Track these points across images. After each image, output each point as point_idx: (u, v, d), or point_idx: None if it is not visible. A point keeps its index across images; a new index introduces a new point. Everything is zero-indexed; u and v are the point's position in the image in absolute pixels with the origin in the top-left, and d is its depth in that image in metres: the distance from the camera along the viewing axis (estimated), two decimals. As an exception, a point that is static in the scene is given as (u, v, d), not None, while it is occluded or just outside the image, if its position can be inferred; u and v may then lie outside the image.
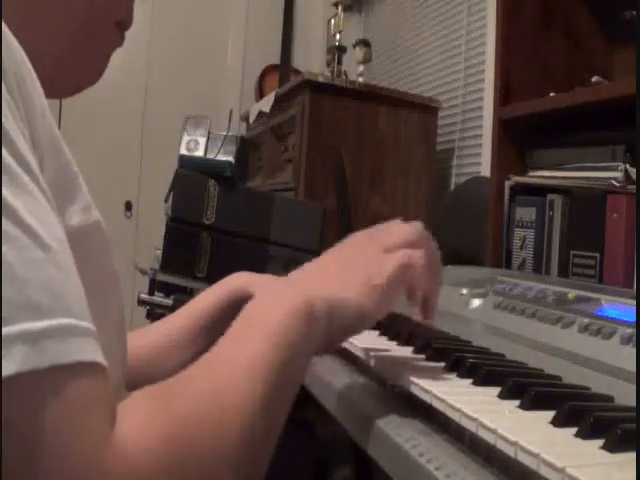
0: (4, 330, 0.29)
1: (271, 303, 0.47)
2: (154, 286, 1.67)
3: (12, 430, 0.29)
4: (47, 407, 0.30)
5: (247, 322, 0.45)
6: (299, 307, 0.46)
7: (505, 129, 1.31)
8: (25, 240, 0.31)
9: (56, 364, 0.30)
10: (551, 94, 1.21)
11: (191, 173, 1.66)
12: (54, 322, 0.30)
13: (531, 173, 1.27)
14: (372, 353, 0.63)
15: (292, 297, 0.47)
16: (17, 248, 0.30)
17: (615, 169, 1.06)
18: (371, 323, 0.55)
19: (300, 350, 0.45)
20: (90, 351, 0.32)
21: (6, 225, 0.30)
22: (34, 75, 0.37)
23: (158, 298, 1.63)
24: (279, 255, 1.69)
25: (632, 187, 1.02)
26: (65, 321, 0.31)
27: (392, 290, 0.54)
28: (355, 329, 0.54)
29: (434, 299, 0.58)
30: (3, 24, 0.35)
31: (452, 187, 2.22)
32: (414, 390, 0.52)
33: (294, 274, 0.56)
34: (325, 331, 0.49)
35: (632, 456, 0.37)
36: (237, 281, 0.69)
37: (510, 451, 0.39)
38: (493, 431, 0.41)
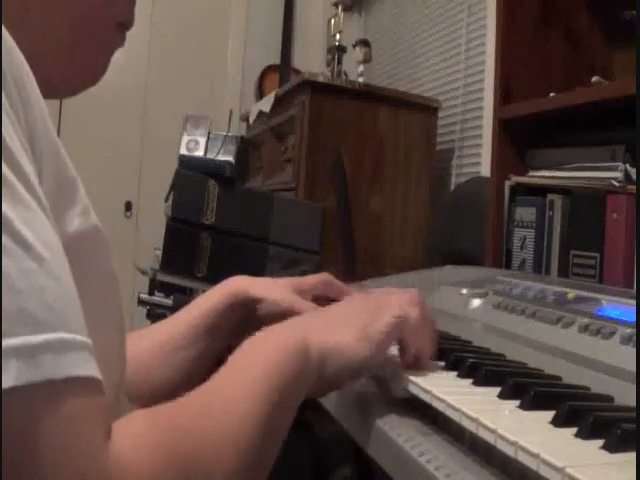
0: (2, 343, 0.29)
1: (269, 340, 0.49)
2: (154, 286, 1.67)
3: (9, 445, 0.29)
4: (42, 421, 0.30)
5: (246, 356, 0.47)
6: (295, 347, 0.48)
7: (505, 129, 1.30)
8: (20, 252, 0.31)
9: (51, 379, 0.30)
10: (551, 94, 1.21)
11: (191, 173, 1.66)
12: (49, 336, 0.30)
13: (531, 173, 1.27)
14: (372, 353, 0.63)
15: (289, 337, 0.49)
16: (12, 260, 0.30)
17: (615, 169, 1.06)
18: (363, 370, 0.56)
19: (294, 388, 0.46)
20: (85, 366, 0.32)
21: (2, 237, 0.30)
22: (33, 79, 0.37)
23: (158, 298, 1.64)
24: (279, 255, 1.69)
25: (632, 187, 1.02)
26: (60, 335, 0.31)
27: (386, 340, 0.55)
28: (348, 374, 0.54)
29: (426, 358, 0.58)
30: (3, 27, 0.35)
31: (452, 187, 2.22)
32: (414, 390, 0.52)
33: (293, 319, 0.57)
34: (318, 373, 0.50)
35: (632, 456, 0.37)
36: (237, 284, 0.70)
37: (510, 451, 0.39)
38: (493, 431, 0.41)
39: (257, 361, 0.45)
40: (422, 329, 0.57)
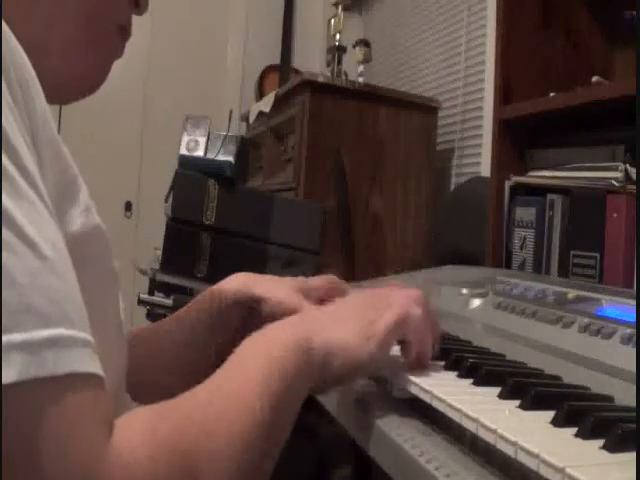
0: (4, 338, 0.29)
1: (271, 338, 0.49)
2: (154, 286, 1.67)
3: (10, 438, 0.29)
4: (44, 416, 0.30)
5: (248, 354, 0.46)
6: (298, 345, 0.48)
7: (505, 129, 1.30)
8: (24, 249, 0.31)
9: (54, 374, 0.30)
10: (551, 94, 1.21)
11: (191, 173, 1.66)
12: (53, 332, 0.31)
13: (531, 173, 1.27)
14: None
15: (292, 335, 0.49)
16: (16, 257, 0.30)
17: (615, 169, 1.06)
18: (366, 369, 0.55)
19: (296, 386, 0.46)
20: (87, 362, 0.32)
21: (5, 233, 0.30)
22: (36, 78, 0.37)
23: (158, 298, 1.63)
24: (279, 255, 1.69)
25: (632, 187, 1.02)
26: (64, 332, 0.31)
27: (389, 339, 0.55)
28: (350, 372, 0.54)
29: (427, 358, 0.58)
30: (4, 25, 0.35)
31: (452, 187, 2.22)
32: (414, 390, 0.52)
33: (296, 316, 0.57)
34: (320, 371, 0.50)
35: (632, 456, 0.37)
36: (238, 281, 0.70)
37: (510, 451, 0.39)
38: (493, 431, 0.41)
39: (259, 359, 0.45)
40: (424, 328, 0.57)
